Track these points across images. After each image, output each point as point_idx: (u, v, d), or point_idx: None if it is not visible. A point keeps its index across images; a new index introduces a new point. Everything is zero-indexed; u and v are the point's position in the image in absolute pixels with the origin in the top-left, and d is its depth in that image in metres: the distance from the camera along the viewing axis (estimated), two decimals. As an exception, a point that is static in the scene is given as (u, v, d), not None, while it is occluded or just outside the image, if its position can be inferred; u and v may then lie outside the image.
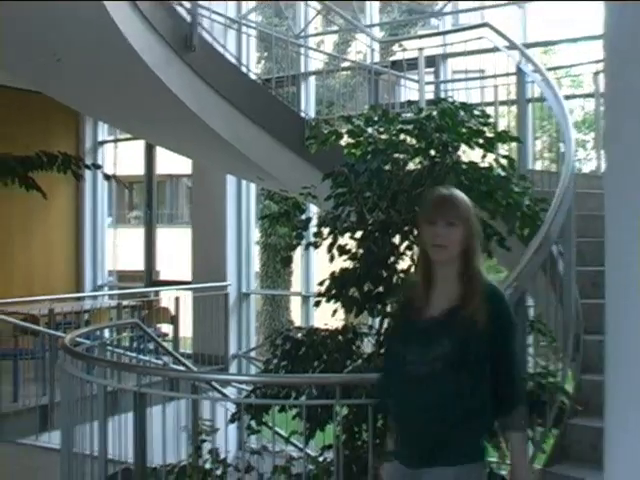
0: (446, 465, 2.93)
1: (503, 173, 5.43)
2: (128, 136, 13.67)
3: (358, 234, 5.33)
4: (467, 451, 2.96)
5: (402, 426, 3.06)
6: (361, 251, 5.22)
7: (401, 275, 5.22)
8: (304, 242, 5.74)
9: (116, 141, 14.28)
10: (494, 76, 8.03)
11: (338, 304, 5.36)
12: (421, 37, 10.04)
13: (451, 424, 2.93)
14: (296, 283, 15.12)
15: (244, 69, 9.42)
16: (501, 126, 7.20)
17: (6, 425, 7.98)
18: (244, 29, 10.14)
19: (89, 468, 5.05)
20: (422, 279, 3.11)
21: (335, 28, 11.98)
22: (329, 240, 5.36)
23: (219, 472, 4.39)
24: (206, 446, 4.94)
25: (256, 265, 13.95)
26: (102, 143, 14.13)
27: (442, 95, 8.54)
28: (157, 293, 12.21)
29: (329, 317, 5.49)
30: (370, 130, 5.68)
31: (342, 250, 5.32)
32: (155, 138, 11.08)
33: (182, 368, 7.29)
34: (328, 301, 5.41)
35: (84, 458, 4.99)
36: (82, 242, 13.79)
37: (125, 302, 11.18)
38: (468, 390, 2.93)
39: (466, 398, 2.93)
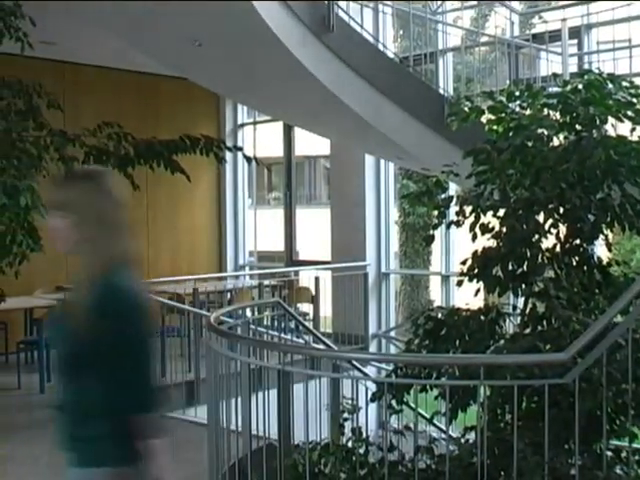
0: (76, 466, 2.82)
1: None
2: (267, 118, 13.89)
3: (501, 212, 5.21)
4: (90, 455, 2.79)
5: None
6: (504, 229, 5.10)
7: (547, 254, 5.08)
8: (446, 221, 5.66)
9: (255, 123, 14.51)
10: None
11: (480, 284, 5.27)
12: (564, 7, 9.67)
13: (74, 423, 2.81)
14: (435, 263, 14.98)
15: (381, 47, 9.37)
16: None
17: (156, 399, 8.27)
18: (380, 7, 10.06)
19: (234, 442, 5.17)
20: None
21: (473, 2, 11.72)
22: (471, 219, 5.27)
23: (361, 450, 4.41)
24: (348, 425, 4.96)
25: (395, 245, 13.91)
26: (242, 126, 14.40)
27: (586, 68, 8.23)
28: (297, 273, 12.38)
29: (469, 297, 5.41)
30: (512, 106, 5.53)
31: (485, 229, 5.22)
32: (294, 119, 11.19)
33: (323, 347, 7.34)
34: (471, 280, 5.32)
35: (230, 433, 5.10)
36: (224, 223, 14.13)
37: (266, 282, 11.39)
38: (82, 390, 2.78)
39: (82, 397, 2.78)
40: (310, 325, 10.67)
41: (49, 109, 7.08)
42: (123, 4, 7.02)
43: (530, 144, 5.25)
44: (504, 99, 5.39)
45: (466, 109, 5.91)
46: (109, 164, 7.11)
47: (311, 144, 14.68)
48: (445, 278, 11.44)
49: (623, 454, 4.44)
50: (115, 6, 7.12)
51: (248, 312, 8.45)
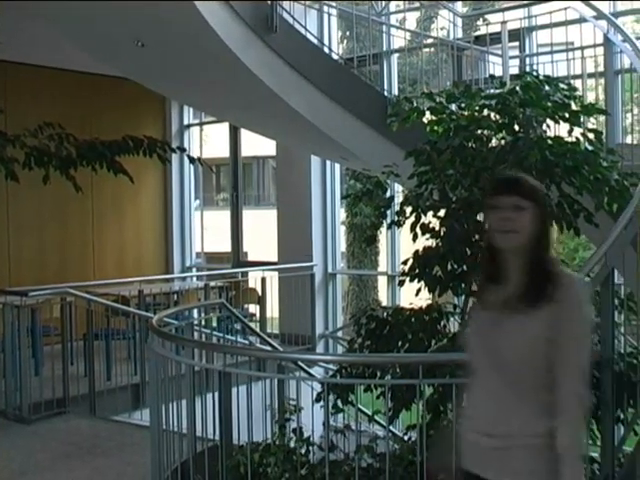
0: None
1: (591, 147, 5.30)
2: (213, 119, 13.82)
3: (441, 212, 5.28)
4: None
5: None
6: (444, 229, 5.16)
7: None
8: (387, 221, 5.71)
9: (202, 124, 14.44)
10: (581, 48, 7.79)
11: (422, 283, 5.33)
12: (504, 10, 9.79)
13: None
14: (383, 263, 15.06)
15: (325, 49, 9.40)
16: (590, 99, 7.01)
17: (101, 402, 8.22)
18: (325, 8, 10.09)
19: (178, 445, 5.15)
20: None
21: (416, 4, 11.80)
22: (412, 219, 5.32)
23: (303, 450, 4.43)
24: (291, 425, 4.98)
25: (342, 245, 13.96)
26: (188, 127, 14.32)
27: (527, 70, 8.35)
28: (245, 274, 12.35)
29: (415, 297, 5.46)
30: (452, 107, 5.60)
31: (425, 229, 5.28)
32: (238, 120, 11.17)
33: (268, 348, 7.35)
34: (412, 280, 5.38)
35: (173, 435, 5.08)
36: (170, 225, 14.03)
37: (212, 283, 11.35)
38: None
39: None
40: (257, 326, 10.67)
41: (-12, 110, 6.97)
42: (65, 3, 6.95)
43: (470, 145, 5.32)
44: (444, 100, 5.45)
45: (407, 110, 5.97)
46: (51, 165, 7.03)
47: (259, 144, 14.64)
48: (391, 278, 11.51)
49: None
50: (58, 4, 7.05)
51: (195, 314, 8.43)
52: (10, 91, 10.84)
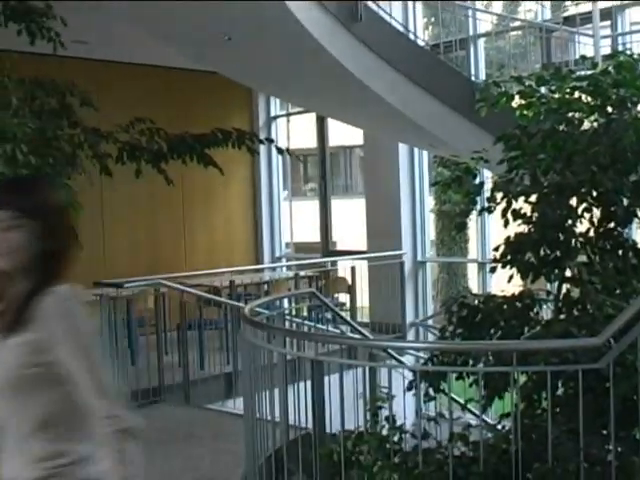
0: None
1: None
2: (300, 110, 13.89)
3: (533, 198, 5.18)
4: None
5: None
6: (536, 215, 5.06)
7: (580, 238, 5.04)
8: (477, 208, 5.64)
9: (288, 115, 14.53)
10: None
11: (514, 270, 5.24)
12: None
13: None
14: (473, 250, 14.90)
15: (411, 35, 9.34)
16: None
17: (195, 391, 8.38)
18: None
19: (271, 433, 5.20)
20: None
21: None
22: (503, 205, 5.24)
23: (396, 438, 4.43)
24: (383, 413, 4.98)
25: (431, 233, 13.87)
26: (275, 118, 14.43)
27: (620, 49, 8.13)
28: (334, 263, 12.40)
29: (506, 284, 5.38)
30: (542, 90, 5.49)
31: (516, 214, 5.19)
32: (326, 110, 11.19)
33: (358, 336, 7.36)
34: (503, 267, 5.29)
35: (267, 424, 5.14)
36: (259, 215, 14.19)
37: (302, 273, 11.42)
38: None
39: None
40: (347, 315, 10.70)
41: (82, 107, 7.14)
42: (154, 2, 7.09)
43: (561, 128, 5.21)
44: (533, 83, 5.34)
45: (495, 94, 5.87)
46: (142, 159, 7.18)
47: (346, 134, 14.64)
48: (481, 265, 11.39)
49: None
50: (145, 3, 7.19)
51: (286, 303, 8.51)
52: (101, 89, 11.07)
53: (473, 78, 9.00)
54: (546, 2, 10.00)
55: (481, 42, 10.64)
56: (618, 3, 8.13)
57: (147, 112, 7.56)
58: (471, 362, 5.04)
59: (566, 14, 10.58)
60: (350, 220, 14.43)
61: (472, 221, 11.72)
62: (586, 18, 8.59)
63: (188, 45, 8.64)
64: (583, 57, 5.74)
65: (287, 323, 7.55)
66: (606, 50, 8.33)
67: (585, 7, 8.78)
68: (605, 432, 4.22)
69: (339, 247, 14.84)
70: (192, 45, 8.60)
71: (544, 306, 5.53)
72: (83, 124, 7.09)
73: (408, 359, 8.69)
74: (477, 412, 6.21)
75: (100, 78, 11.43)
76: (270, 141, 8.24)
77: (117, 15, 8.16)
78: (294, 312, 8.26)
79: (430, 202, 13.44)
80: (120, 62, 11.75)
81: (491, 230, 11.18)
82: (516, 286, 5.45)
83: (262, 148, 12.46)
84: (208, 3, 6.91)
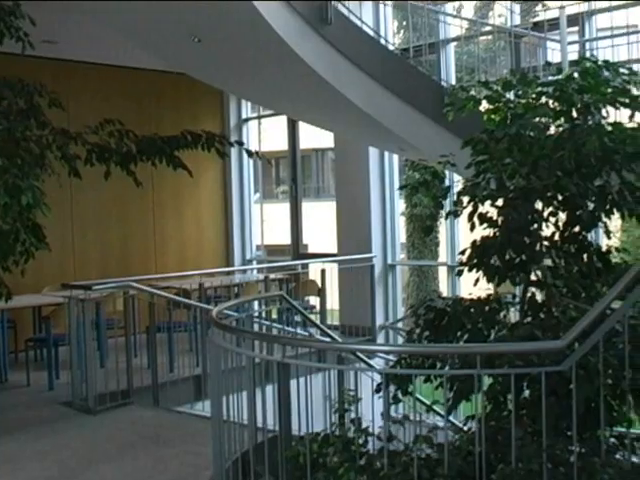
0: None
1: (656, 132, 5.17)
2: (271, 112, 13.89)
3: (499, 202, 5.22)
4: None
5: None
6: (502, 219, 5.11)
7: (545, 242, 5.09)
8: (444, 211, 5.68)
9: (260, 117, 14.53)
10: (643, 31, 7.65)
11: (480, 273, 5.28)
12: (561, -5, 9.64)
13: None
14: (443, 253, 14.98)
15: (380, 39, 9.38)
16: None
17: (164, 394, 8.36)
18: (381, -1, 10.07)
19: (239, 436, 5.21)
20: None
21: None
22: (469, 209, 5.28)
23: (361, 441, 4.44)
24: (351, 416, 4.99)
25: (402, 236, 13.93)
26: (246, 120, 14.42)
27: (587, 55, 8.21)
28: (305, 266, 12.41)
29: (475, 287, 5.42)
30: (510, 95, 5.54)
31: (483, 218, 5.23)
32: (295, 113, 11.22)
33: (327, 339, 7.38)
34: (470, 270, 5.33)
35: (235, 426, 5.14)
36: (230, 218, 14.18)
37: (272, 275, 11.43)
38: None
39: None
40: (317, 318, 10.72)
41: (50, 108, 7.11)
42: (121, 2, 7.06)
43: (527, 133, 5.25)
44: (500, 88, 5.39)
45: (462, 99, 5.91)
46: (111, 161, 7.16)
47: (319, 136, 14.67)
48: (451, 269, 11.46)
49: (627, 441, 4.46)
50: (114, 3, 7.16)
51: (256, 306, 8.52)
52: (71, 90, 11.04)
53: (443, 82, 9.04)
54: (516, 6, 10.07)
55: (451, 46, 10.71)
56: (616, 4, 8.15)
57: (117, 113, 7.54)
58: (439, 365, 5.08)
59: (536, 19, 10.68)
60: (322, 223, 14.46)
61: (442, 225, 11.79)
62: (555, 24, 8.67)
63: (158, 46, 8.61)
64: (548, 63, 5.81)
65: (256, 326, 7.56)
66: (574, 56, 8.41)
67: (554, 13, 8.85)
68: (569, 433, 4.26)
69: (311, 250, 14.86)
70: (162, 47, 8.58)
71: (512, 309, 5.58)
72: (52, 125, 7.06)
73: (378, 362, 8.73)
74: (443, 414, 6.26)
75: (69, 79, 11.38)
76: (240, 144, 8.25)
77: (88, 15, 8.12)
78: (264, 315, 8.27)
79: (401, 205, 13.49)
80: (90, 63, 11.69)
81: (460, 234, 11.25)
82: (486, 289, 5.49)
83: (233, 151, 12.49)
84: (175, 3, 6.89)
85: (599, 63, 5.19)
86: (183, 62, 9.20)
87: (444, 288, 14.21)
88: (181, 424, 7.62)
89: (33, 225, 6.54)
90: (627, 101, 5.05)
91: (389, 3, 9.97)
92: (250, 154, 7.81)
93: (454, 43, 10.72)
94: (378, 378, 5.63)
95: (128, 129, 7.28)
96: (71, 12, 8.21)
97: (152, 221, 12.86)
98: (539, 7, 13.02)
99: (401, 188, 11.47)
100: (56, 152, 6.97)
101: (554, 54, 8.96)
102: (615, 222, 5.65)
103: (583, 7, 9.02)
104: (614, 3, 8.08)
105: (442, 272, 14.41)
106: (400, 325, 12.21)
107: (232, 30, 7.50)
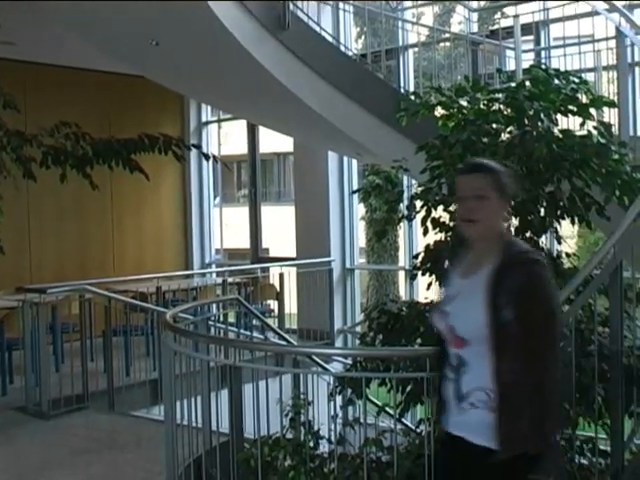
0: None
1: (603, 140, 5.27)
2: (231, 116, 13.88)
3: (452, 207, 5.28)
4: None
5: None
6: (454, 223, 5.17)
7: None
8: (397, 216, 5.73)
9: (219, 121, 14.51)
10: (592, 41, 7.77)
11: (433, 277, 5.34)
12: (517, 3, 9.76)
13: None
14: (402, 258, 15.06)
15: (338, 44, 9.42)
16: (606, 93, 6.99)
17: (119, 398, 8.31)
18: (340, 4, 10.10)
19: (194, 440, 5.19)
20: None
21: (429, 2, 11.77)
22: (422, 213, 5.34)
23: (312, 444, 4.47)
24: (302, 419, 5.02)
25: (361, 240, 13.97)
26: (206, 124, 14.39)
27: (542, 63, 8.32)
28: (264, 270, 12.40)
29: (426, 291, 5.47)
30: (463, 101, 5.61)
31: (435, 223, 5.29)
32: (254, 117, 11.23)
33: (283, 343, 7.40)
34: (423, 274, 5.40)
35: (190, 430, 5.12)
36: (189, 222, 14.13)
37: (230, 279, 11.40)
38: None
39: None
40: (275, 322, 10.72)
41: (5, 109, 7.04)
42: (80, 2, 7.03)
43: (480, 139, 5.32)
44: (452, 94, 5.46)
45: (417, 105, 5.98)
46: (67, 164, 7.11)
47: (279, 141, 14.68)
48: (409, 273, 11.49)
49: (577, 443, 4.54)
50: (73, 4, 7.13)
51: (214, 310, 8.50)
52: (29, 91, 10.93)
53: (400, 88, 9.10)
54: (474, 14, 10.18)
55: (410, 53, 10.78)
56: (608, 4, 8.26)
57: (76, 116, 7.49)
58: (393, 368, 5.12)
59: (493, 28, 10.80)
60: (282, 227, 14.47)
61: (401, 229, 11.84)
62: (511, 32, 8.77)
63: (116, 49, 8.58)
64: (499, 70, 5.88)
65: (213, 330, 7.53)
66: (529, 64, 8.51)
67: (510, 21, 8.96)
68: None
69: (272, 254, 14.86)
70: (120, 49, 8.54)
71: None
72: (6, 127, 7.00)
73: (336, 366, 8.75)
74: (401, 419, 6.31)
75: (28, 80, 11.28)
76: (196, 147, 8.23)
77: (45, 16, 8.06)
78: (221, 318, 8.24)
79: (361, 210, 13.54)
80: (49, 64, 11.58)
81: (419, 238, 11.31)
82: (439, 293, 5.53)
83: (193, 154, 12.47)
84: (132, 3, 6.87)
85: (549, 71, 5.28)
86: (142, 65, 9.18)
87: (403, 292, 14.29)
88: (137, 429, 7.57)
89: (-13, 228, 6.47)
90: (575, 109, 5.14)
91: (349, 9, 10.01)
92: (207, 158, 7.78)
93: (413, 49, 10.79)
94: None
95: (84, 132, 7.21)
96: (28, 12, 8.13)
97: (110, 224, 12.77)
98: (498, 15, 13.19)
99: (354, 192, 11.52)
100: (11, 154, 6.91)
101: (510, 62, 9.06)
102: (573, 227, 5.74)
103: (538, 16, 9.13)
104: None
105: (401, 276, 14.49)
106: (358, 329, 12.23)
107: (189, 33, 7.50)
